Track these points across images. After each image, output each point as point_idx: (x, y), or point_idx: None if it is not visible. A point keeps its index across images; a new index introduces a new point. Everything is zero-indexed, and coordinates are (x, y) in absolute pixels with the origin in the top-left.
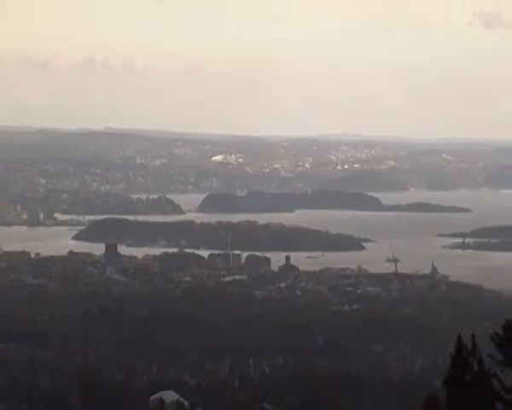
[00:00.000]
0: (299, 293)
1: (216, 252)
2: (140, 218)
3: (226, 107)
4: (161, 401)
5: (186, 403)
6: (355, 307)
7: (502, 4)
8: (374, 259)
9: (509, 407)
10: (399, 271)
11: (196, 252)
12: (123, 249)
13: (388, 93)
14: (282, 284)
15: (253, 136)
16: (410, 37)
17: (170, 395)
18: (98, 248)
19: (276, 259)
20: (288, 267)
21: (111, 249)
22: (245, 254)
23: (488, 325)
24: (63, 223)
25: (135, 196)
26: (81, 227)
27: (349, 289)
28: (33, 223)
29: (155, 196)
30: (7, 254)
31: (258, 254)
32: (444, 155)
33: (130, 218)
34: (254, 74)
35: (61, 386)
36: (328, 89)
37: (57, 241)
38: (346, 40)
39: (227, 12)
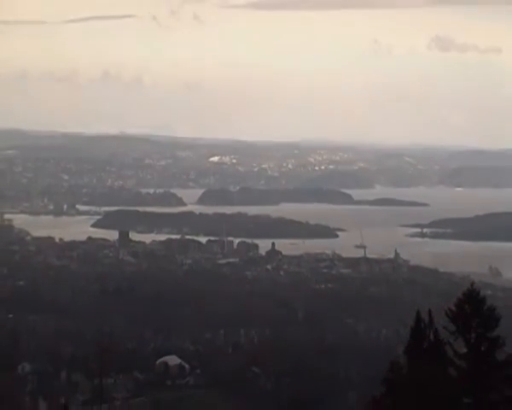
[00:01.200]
0: (282, 273)
1: (212, 238)
2: (148, 209)
3: (221, 115)
4: (166, 364)
5: (187, 366)
6: (330, 285)
7: (454, 30)
8: (346, 245)
9: (460, 371)
10: (367, 255)
11: (196, 238)
12: (133, 235)
13: (358, 106)
14: (269, 266)
15: (245, 140)
16: (377, 58)
17: (173, 360)
18: (113, 235)
19: (264, 245)
20: (274, 252)
21: (123, 235)
22: (237, 241)
23: (442, 301)
24: (83, 213)
25: (144, 191)
26: (98, 217)
27: (325, 270)
28: (58, 213)
29: (161, 191)
30: (35, 239)
31: (248, 240)
32: (406, 158)
33: (140, 209)
34: (245, 89)
35: (81, 351)
36: (308, 102)
37: (78, 228)
38: (321, 63)
39: (220, 38)
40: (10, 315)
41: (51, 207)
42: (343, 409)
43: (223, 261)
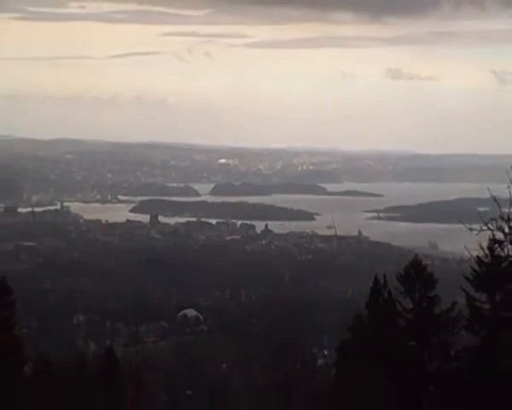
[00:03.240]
0: (273, 247)
1: (221, 221)
2: (172, 198)
3: (227, 128)
4: (185, 315)
5: (201, 317)
6: (309, 256)
7: (402, 63)
8: (321, 226)
9: (407, 322)
10: (337, 234)
11: (208, 220)
12: (161, 219)
13: (330, 121)
14: (263, 242)
15: (245, 147)
16: (344, 84)
17: (191, 312)
18: (145, 218)
19: (259, 225)
20: (267, 231)
21: (154, 219)
22: (239, 222)
23: (394, 268)
24: (123, 201)
25: (169, 185)
26: (134, 204)
27: (305, 245)
28: (104, 201)
29: (182, 185)
30: (87, 221)
31: (247, 222)
32: (366, 161)
33: (166, 198)
34: (245, 108)
35: (122, 306)
36: (292, 118)
37: (119, 213)
38: (302, 88)
39: (226, 70)
40: (68, 279)
41: (99, 197)
42: (319, 348)
43: (228, 238)
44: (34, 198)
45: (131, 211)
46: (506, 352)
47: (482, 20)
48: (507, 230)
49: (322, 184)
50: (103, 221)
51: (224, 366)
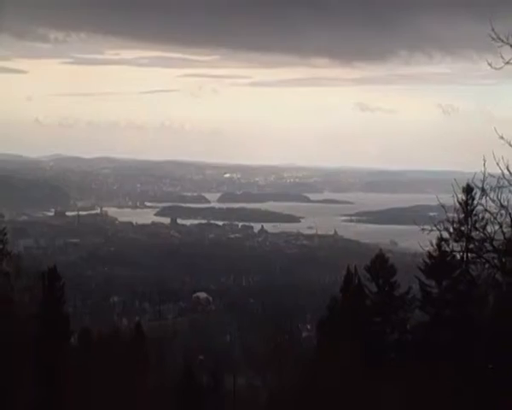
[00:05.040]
0: (267, 243)
1: (226, 222)
2: (188, 205)
3: (231, 149)
4: (198, 297)
5: (210, 298)
6: (296, 251)
7: (368, 99)
8: (305, 227)
9: (373, 302)
10: (318, 233)
11: (216, 222)
12: (179, 221)
13: (313, 144)
14: (259, 239)
15: (245, 164)
16: (322, 115)
17: (202, 294)
18: (167, 220)
19: (256, 226)
20: (262, 231)
21: (173, 221)
22: (240, 224)
23: (363, 260)
24: (149, 207)
25: (185, 194)
26: (158, 209)
27: (293, 241)
28: (134, 207)
29: (196, 194)
30: (121, 222)
31: (247, 223)
32: (341, 175)
33: (183, 205)
34: (246, 133)
35: (148, 289)
36: (282, 141)
37: (146, 216)
38: (290, 118)
39: (230, 103)
40: (105, 268)
41: (130, 203)
42: (303, 323)
43: (232, 236)
44: (79, 204)
45: (156, 215)
46: (450, 326)
47: (430, 65)
48: (451, 230)
49: (306, 194)
50: (133, 223)
51: (228, 337)
